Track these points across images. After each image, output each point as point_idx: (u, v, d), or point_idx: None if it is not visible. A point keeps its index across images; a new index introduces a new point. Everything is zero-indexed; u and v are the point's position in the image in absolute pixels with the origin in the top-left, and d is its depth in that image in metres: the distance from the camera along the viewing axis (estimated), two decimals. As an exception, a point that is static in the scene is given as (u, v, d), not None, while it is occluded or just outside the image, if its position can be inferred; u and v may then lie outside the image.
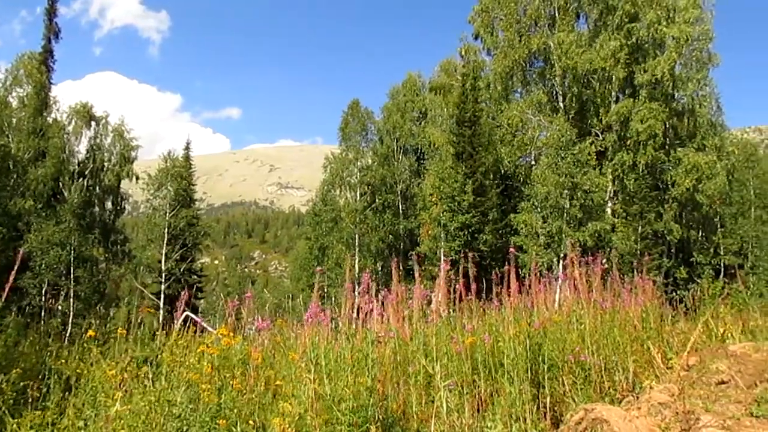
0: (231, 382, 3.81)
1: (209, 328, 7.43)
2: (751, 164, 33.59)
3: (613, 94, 28.19)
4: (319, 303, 4.09)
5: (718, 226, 30.65)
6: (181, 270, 31.05)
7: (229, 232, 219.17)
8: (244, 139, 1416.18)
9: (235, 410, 3.58)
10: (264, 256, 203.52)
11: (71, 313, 24.67)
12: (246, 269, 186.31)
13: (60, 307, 25.23)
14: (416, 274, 5.71)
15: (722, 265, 29.26)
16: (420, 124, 38.54)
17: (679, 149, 27.49)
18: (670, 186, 27.49)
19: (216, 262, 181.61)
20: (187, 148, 35.36)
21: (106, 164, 34.50)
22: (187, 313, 6.58)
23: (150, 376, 4.14)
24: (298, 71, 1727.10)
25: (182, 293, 5.38)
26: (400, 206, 37.49)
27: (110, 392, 3.74)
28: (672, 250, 29.13)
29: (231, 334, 4.41)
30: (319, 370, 3.70)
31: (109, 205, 35.19)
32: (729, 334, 8.36)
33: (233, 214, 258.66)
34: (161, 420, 3.48)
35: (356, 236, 34.77)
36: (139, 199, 37.92)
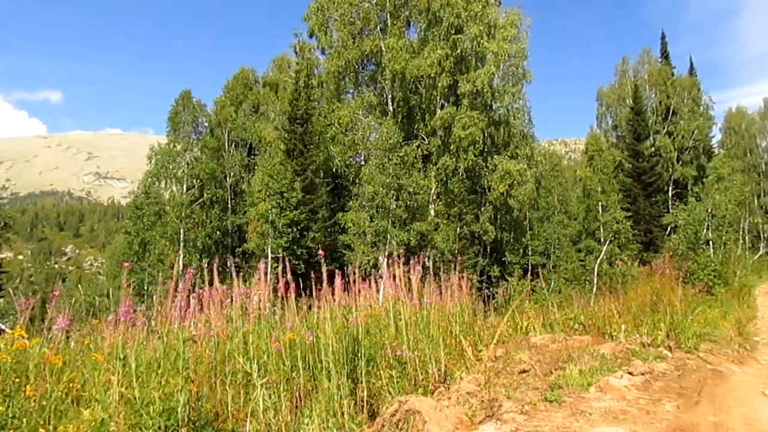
0: (23, 389, 3.45)
1: (7, 330, 6.74)
2: (556, 173, 37.38)
3: (438, 100, 29.71)
4: (132, 301, 3.85)
5: (527, 228, 33.53)
6: (-25, 265, 27.89)
7: (37, 225, 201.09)
8: (64, 124, 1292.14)
9: (25, 419, 3.24)
10: (78, 251, 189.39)
11: None
12: (56, 265, 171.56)
13: None
14: (237, 272, 5.56)
15: (529, 264, 32.03)
16: (253, 118, 37.85)
17: (495, 156, 29.60)
18: (486, 190, 29.50)
19: (20, 257, 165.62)
20: (-14, 130, 31.69)
21: None
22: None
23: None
24: (130, 59, 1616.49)
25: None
26: (230, 201, 36.58)
27: None
28: (487, 250, 31.35)
29: (27, 336, 4.00)
30: (128, 371, 3.48)
31: None
32: (532, 327, 9.18)
33: (42, 205, 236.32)
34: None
35: (182, 231, 33.37)
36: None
